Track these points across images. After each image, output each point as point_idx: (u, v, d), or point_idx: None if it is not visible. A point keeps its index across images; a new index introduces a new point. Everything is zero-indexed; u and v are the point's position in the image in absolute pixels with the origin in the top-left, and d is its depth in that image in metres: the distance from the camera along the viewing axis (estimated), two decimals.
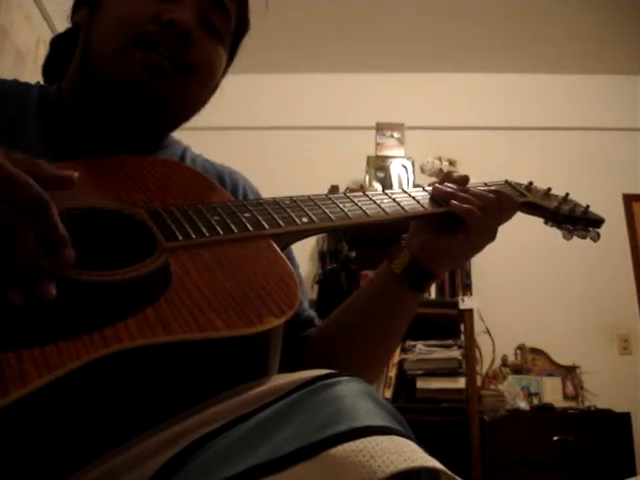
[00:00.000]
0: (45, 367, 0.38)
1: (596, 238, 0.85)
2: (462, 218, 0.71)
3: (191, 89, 0.73)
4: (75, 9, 0.78)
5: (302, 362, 0.76)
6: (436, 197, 0.74)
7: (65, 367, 0.38)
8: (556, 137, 3.42)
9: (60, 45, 0.81)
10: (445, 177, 0.78)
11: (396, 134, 3.32)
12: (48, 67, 0.83)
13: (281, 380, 0.44)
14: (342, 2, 3.07)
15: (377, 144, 3.29)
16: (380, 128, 3.32)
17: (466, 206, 0.71)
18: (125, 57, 0.68)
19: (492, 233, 0.73)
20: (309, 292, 2.78)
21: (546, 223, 0.85)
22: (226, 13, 0.75)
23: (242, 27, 0.82)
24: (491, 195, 0.73)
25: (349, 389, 0.40)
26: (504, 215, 0.74)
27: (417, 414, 2.49)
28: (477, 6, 3.05)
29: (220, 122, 3.10)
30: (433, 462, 0.34)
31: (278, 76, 3.50)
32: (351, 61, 3.47)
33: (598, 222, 0.85)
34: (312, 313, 0.83)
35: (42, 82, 0.83)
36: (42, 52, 2.48)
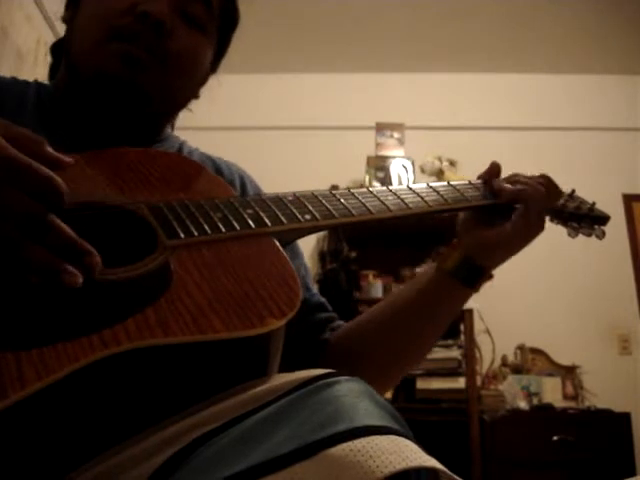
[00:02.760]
0: (44, 370, 0.38)
1: (601, 236, 0.84)
2: (519, 200, 0.74)
3: (172, 78, 0.73)
4: (66, 8, 0.79)
5: (324, 362, 0.75)
6: (490, 187, 0.77)
7: (63, 370, 0.38)
8: (556, 137, 3.41)
9: (59, 49, 0.82)
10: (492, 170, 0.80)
11: (396, 134, 3.32)
12: (53, 72, 0.84)
13: (280, 380, 0.44)
14: (342, 2, 3.06)
15: (377, 144, 3.29)
16: (380, 128, 3.32)
17: (524, 193, 0.74)
18: (101, 50, 0.68)
19: (542, 221, 0.75)
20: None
21: (551, 220, 0.84)
22: (206, 3, 0.75)
23: (230, 20, 0.81)
24: (539, 180, 0.76)
25: (348, 389, 0.40)
26: (553, 203, 0.78)
27: (417, 414, 2.49)
28: (477, 6, 3.05)
29: (220, 122, 3.10)
30: (432, 462, 0.34)
31: (278, 76, 3.50)
32: (351, 61, 3.47)
33: (604, 219, 0.85)
34: (322, 299, 0.82)
35: (41, 81, 0.83)
36: (42, 52, 2.47)
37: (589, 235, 0.84)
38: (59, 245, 0.43)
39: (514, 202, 0.75)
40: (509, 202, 0.75)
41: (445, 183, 0.78)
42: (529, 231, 0.74)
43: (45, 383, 0.37)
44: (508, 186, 0.76)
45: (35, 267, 0.42)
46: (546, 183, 0.76)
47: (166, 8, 0.70)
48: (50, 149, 0.47)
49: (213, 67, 0.83)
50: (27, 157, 0.43)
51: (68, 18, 0.76)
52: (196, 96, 0.83)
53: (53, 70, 0.84)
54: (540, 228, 0.75)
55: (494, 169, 0.80)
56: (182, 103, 0.80)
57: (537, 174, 0.82)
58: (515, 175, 0.78)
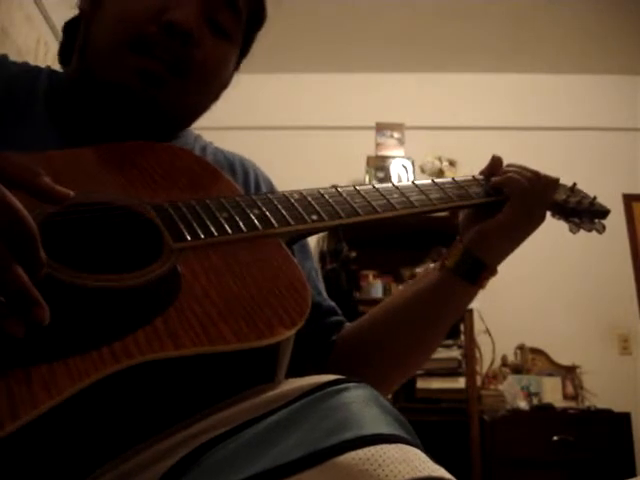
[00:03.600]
0: (55, 388, 0.37)
1: (601, 230, 0.84)
2: (504, 185, 0.74)
3: (193, 91, 0.70)
4: None
5: (331, 364, 0.74)
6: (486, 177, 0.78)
7: (75, 386, 0.38)
8: (556, 137, 3.41)
9: (72, 30, 0.78)
10: (493, 164, 0.80)
11: (396, 134, 3.32)
12: (63, 52, 0.80)
13: (289, 385, 0.44)
14: (342, 2, 3.06)
15: (377, 144, 3.29)
16: (380, 128, 3.32)
17: (509, 175, 0.75)
18: (121, 61, 0.66)
19: (538, 210, 0.75)
20: None
21: (553, 216, 0.84)
22: (236, 10, 0.72)
23: (257, 20, 0.78)
24: (528, 170, 0.76)
25: (356, 395, 0.40)
26: (546, 191, 0.76)
27: (417, 414, 2.49)
28: (477, 6, 3.04)
29: (220, 122, 3.09)
30: (441, 471, 0.34)
31: (278, 76, 3.50)
32: (351, 61, 3.47)
33: (604, 213, 0.84)
34: (332, 303, 0.81)
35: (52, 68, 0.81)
36: (42, 52, 2.47)
37: (590, 230, 0.84)
38: (12, 291, 0.39)
39: (501, 187, 0.75)
40: (495, 186, 0.76)
41: (450, 179, 0.77)
42: (521, 219, 0.73)
43: (57, 402, 0.37)
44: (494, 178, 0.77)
45: None
46: (534, 173, 0.76)
47: (193, 17, 0.66)
48: (47, 180, 0.43)
49: (235, 67, 0.81)
50: (19, 207, 0.39)
51: (86, 9, 0.72)
52: (217, 99, 0.80)
53: (64, 50, 0.80)
54: (532, 217, 0.74)
55: (495, 163, 0.79)
56: (202, 110, 0.78)
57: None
58: (509, 165, 0.79)
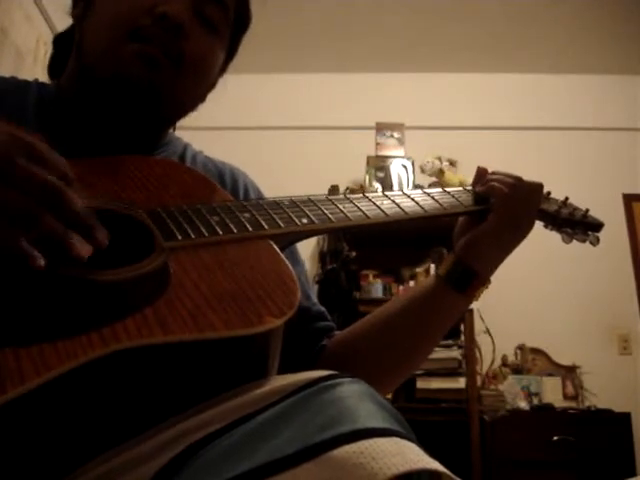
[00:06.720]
0: (43, 366, 0.38)
1: (595, 242, 0.85)
2: (487, 194, 0.75)
3: (185, 82, 0.72)
4: (74, 3, 0.77)
5: (321, 368, 0.75)
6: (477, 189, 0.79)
7: (63, 366, 0.38)
8: (556, 137, 3.42)
9: (62, 43, 0.80)
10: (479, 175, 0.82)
11: (396, 134, 3.32)
12: (53, 66, 0.83)
13: (283, 381, 0.44)
14: (342, 2, 3.06)
15: (377, 144, 3.29)
16: (380, 128, 3.32)
17: (490, 184, 0.75)
18: (120, 50, 0.68)
19: (524, 217, 0.75)
20: None
21: (546, 227, 0.85)
22: (223, 5, 0.75)
23: (242, 22, 0.81)
24: (511, 176, 0.77)
25: (350, 390, 0.40)
26: (529, 197, 0.76)
27: (417, 414, 2.49)
28: (477, 6, 3.05)
29: (220, 122, 3.10)
30: (435, 464, 0.34)
31: (278, 76, 3.50)
32: (351, 61, 3.47)
33: (597, 226, 0.85)
34: (322, 308, 0.82)
35: (41, 81, 0.82)
36: (42, 52, 2.47)
37: (583, 241, 0.85)
38: (69, 217, 0.44)
39: (486, 195, 0.76)
40: (479, 194, 0.77)
41: (440, 189, 0.79)
42: (507, 225, 0.74)
43: (44, 379, 0.37)
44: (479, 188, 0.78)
45: (45, 231, 0.43)
46: (517, 179, 0.76)
47: (185, 9, 0.70)
48: (62, 161, 0.48)
49: (222, 69, 0.83)
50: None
51: (79, 16, 0.74)
52: (203, 100, 0.82)
53: (53, 63, 0.82)
54: (519, 224, 0.75)
55: (481, 174, 0.80)
56: (190, 107, 0.79)
57: (534, 175, 0.83)
58: (493, 173, 0.79)
